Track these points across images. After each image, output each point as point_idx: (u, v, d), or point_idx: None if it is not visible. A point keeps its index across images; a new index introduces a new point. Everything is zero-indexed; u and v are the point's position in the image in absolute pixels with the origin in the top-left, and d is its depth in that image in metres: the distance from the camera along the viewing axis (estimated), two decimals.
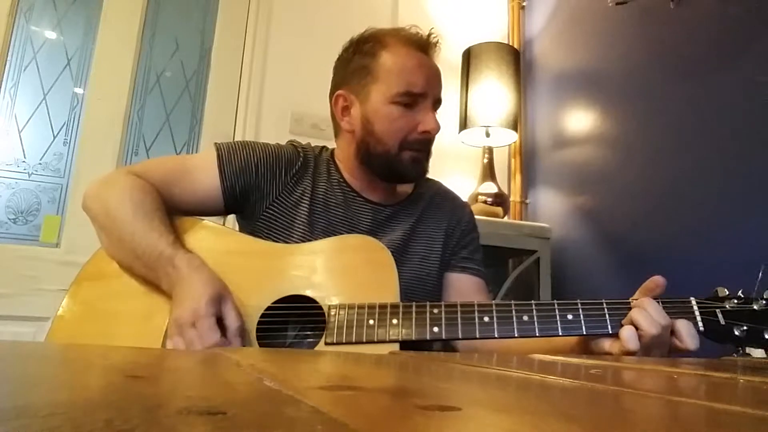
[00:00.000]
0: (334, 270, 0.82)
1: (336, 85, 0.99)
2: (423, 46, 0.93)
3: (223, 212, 0.94)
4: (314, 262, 0.82)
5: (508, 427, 0.18)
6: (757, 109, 1.17)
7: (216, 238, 0.84)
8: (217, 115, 1.75)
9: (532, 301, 0.74)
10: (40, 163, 1.57)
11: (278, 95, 1.77)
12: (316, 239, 0.87)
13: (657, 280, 0.76)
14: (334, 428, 0.16)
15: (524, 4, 2.13)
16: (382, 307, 0.75)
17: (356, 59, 0.95)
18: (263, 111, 1.74)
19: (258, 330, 0.77)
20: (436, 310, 0.74)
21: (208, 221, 0.89)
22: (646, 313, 0.70)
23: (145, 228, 0.79)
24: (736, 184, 1.20)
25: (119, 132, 1.64)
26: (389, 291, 0.78)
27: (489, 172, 1.80)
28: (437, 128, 0.91)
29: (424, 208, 0.99)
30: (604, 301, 0.76)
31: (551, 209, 1.83)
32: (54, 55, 1.63)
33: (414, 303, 0.75)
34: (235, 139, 1.30)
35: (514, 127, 1.78)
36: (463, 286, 0.96)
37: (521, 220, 1.90)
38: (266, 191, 0.90)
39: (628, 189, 1.50)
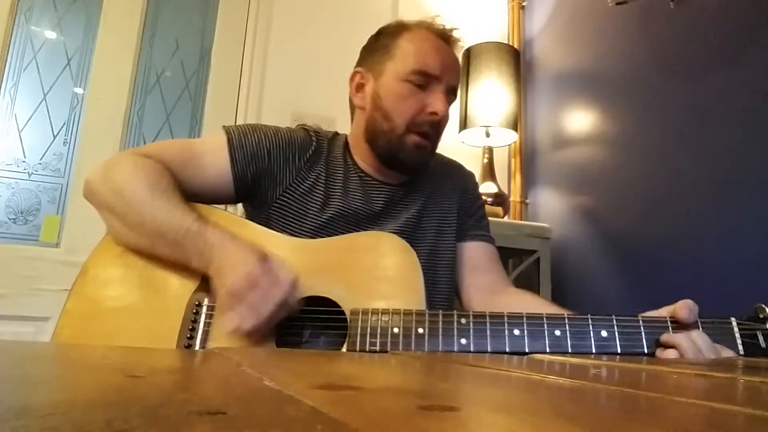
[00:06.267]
0: (356, 270, 0.78)
1: (356, 66, 0.98)
2: (444, 35, 0.93)
3: (233, 200, 0.90)
4: (336, 260, 0.79)
5: (507, 427, 0.18)
6: (757, 109, 1.17)
7: (235, 230, 0.79)
8: (217, 115, 1.75)
9: (565, 314, 0.71)
10: (40, 163, 1.57)
11: (278, 95, 1.77)
12: (331, 226, 0.85)
13: (692, 306, 0.70)
14: (334, 428, 0.16)
15: (524, 4, 2.12)
16: (407, 314, 0.71)
17: (378, 41, 0.95)
18: (263, 111, 1.74)
19: (277, 332, 0.74)
20: (463, 320, 0.71)
21: (223, 210, 0.85)
22: (695, 348, 0.65)
23: (167, 206, 0.74)
24: (735, 184, 1.20)
25: (119, 132, 1.64)
26: (414, 294, 0.75)
27: (489, 172, 1.80)
28: (444, 112, 0.89)
29: (434, 182, 0.98)
30: (640, 318, 0.71)
31: (551, 209, 1.83)
32: (54, 55, 1.63)
33: (441, 311, 0.72)
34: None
35: (514, 127, 1.78)
36: (476, 255, 0.96)
37: (521, 220, 1.90)
38: (279, 178, 0.87)
39: (628, 189, 1.50)
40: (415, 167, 0.93)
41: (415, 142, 0.89)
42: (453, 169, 1.04)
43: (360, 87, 0.94)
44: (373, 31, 1.00)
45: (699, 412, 0.23)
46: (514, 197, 1.94)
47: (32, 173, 1.56)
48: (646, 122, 1.47)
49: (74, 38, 1.66)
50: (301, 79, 1.80)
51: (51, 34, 1.65)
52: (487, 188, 1.76)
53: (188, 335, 0.72)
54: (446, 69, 0.90)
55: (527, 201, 1.96)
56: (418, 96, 0.88)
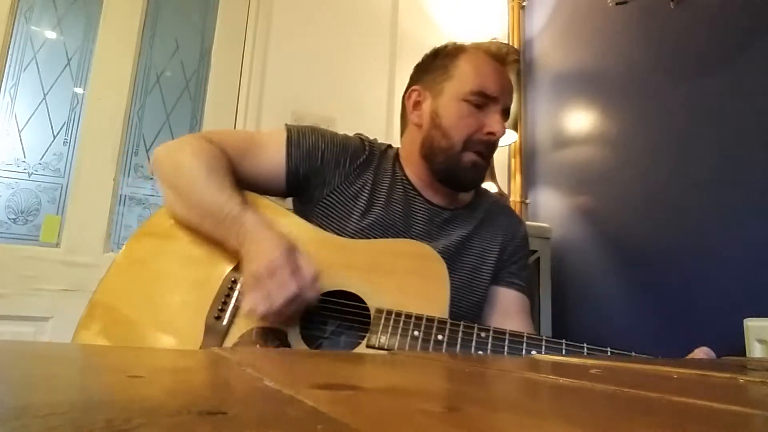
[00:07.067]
0: (387, 272, 0.81)
1: (411, 83, 1.01)
2: (501, 58, 0.96)
3: (284, 193, 0.94)
4: (368, 261, 0.82)
5: (507, 427, 0.18)
6: (757, 109, 1.17)
7: (274, 218, 0.84)
8: (217, 115, 1.75)
9: (584, 344, 0.73)
10: (40, 163, 1.57)
11: (278, 95, 1.77)
12: (370, 232, 0.88)
13: (707, 351, 0.73)
14: (334, 428, 0.16)
15: (524, 3, 2.12)
16: (430, 320, 0.74)
17: (436, 61, 0.98)
18: (263, 111, 1.74)
19: (302, 319, 0.77)
20: (483, 334, 0.73)
21: (270, 200, 0.89)
22: None
23: (217, 188, 0.80)
24: (735, 184, 1.20)
25: (119, 132, 1.64)
26: (439, 304, 0.78)
27: (489, 172, 1.80)
28: (502, 132, 0.92)
29: (482, 218, 0.99)
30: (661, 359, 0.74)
31: (551, 209, 1.83)
32: (54, 55, 1.63)
33: (462, 322, 0.74)
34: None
35: (514, 127, 1.78)
36: (507, 301, 0.97)
37: None
38: (328, 179, 0.91)
39: (628, 189, 1.50)
40: (470, 184, 0.96)
41: (471, 160, 0.92)
42: (504, 212, 1.06)
43: (417, 105, 0.98)
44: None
45: (699, 412, 0.23)
46: (514, 197, 1.94)
47: (32, 173, 1.56)
48: (646, 122, 1.47)
49: (74, 38, 1.66)
50: (301, 79, 1.80)
51: (51, 34, 1.65)
52: (487, 188, 1.76)
53: (219, 308, 0.77)
54: (503, 91, 0.93)
55: (527, 201, 1.96)
56: (476, 116, 0.91)
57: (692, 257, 1.28)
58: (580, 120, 1.74)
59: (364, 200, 0.91)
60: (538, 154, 1.94)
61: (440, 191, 0.96)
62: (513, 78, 0.97)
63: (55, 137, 1.60)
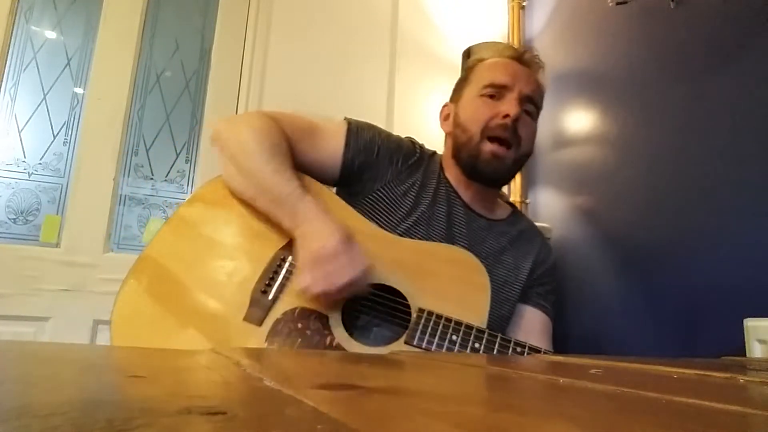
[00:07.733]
0: (431, 275, 0.83)
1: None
2: (517, 55, 1.00)
3: (333, 182, 0.96)
4: (415, 261, 0.84)
5: (508, 427, 0.18)
6: (757, 109, 1.17)
7: (330, 206, 0.86)
8: (217, 115, 1.75)
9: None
10: (40, 163, 1.57)
11: (278, 95, 1.77)
12: (414, 229, 0.91)
13: None
14: (334, 428, 0.16)
15: (524, 4, 2.12)
16: (468, 327, 0.76)
17: (460, 77, 1.05)
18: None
19: (344, 306, 0.79)
20: (519, 348, 0.75)
21: (326, 188, 0.92)
22: None
23: (279, 167, 0.81)
24: (736, 184, 1.20)
25: (119, 132, 1.64)
26: (478, 313, 0.80)
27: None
28: (516, 113, 0.93)
29: (517, 235, 1.02)
30: None
31: (551, 209, 1.83)
32: (54, 55, 1.63)
33: (499, 334, 0.76)
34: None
35: None
36: (533, 320, 0.99)
37: None
38: (380, 174, 0.94)
39: (628, 189, 1.50)
40: (493, 175, 0.97)
41: (491, 150, 0.94)
42: (539, 235, 1.09)
43: (446, 117, 1.03)
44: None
45: (699, 412, 0.23)
46: (514, 197, 1.94)
47: (32, 173, 1.56)
48: (646, 122, 1.47)
49: (74, 38, 1.66)
50: (301, 79, 1.80)
51: (51, 34, 1.65)
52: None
53: (267, 282, 0.79)
54: (517, 79, 0.96)
55: (527, 201, 1.95)
56: (491, 105, 0.95)
57: (692, 257, 1.28)
58: (580, 120, 1.74)
59: (411, 199, 0.94)
60: (538, 154, 1.94)
61: (477, 197, 1.00)
62: (541, 77, 1.01)
63: (55, 137, 1.60)
